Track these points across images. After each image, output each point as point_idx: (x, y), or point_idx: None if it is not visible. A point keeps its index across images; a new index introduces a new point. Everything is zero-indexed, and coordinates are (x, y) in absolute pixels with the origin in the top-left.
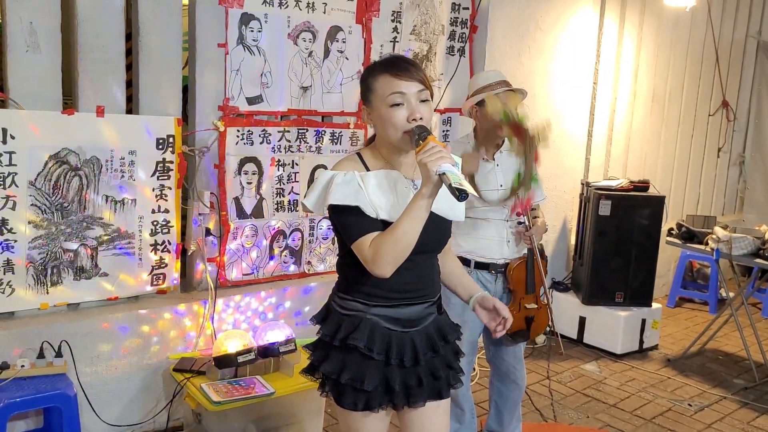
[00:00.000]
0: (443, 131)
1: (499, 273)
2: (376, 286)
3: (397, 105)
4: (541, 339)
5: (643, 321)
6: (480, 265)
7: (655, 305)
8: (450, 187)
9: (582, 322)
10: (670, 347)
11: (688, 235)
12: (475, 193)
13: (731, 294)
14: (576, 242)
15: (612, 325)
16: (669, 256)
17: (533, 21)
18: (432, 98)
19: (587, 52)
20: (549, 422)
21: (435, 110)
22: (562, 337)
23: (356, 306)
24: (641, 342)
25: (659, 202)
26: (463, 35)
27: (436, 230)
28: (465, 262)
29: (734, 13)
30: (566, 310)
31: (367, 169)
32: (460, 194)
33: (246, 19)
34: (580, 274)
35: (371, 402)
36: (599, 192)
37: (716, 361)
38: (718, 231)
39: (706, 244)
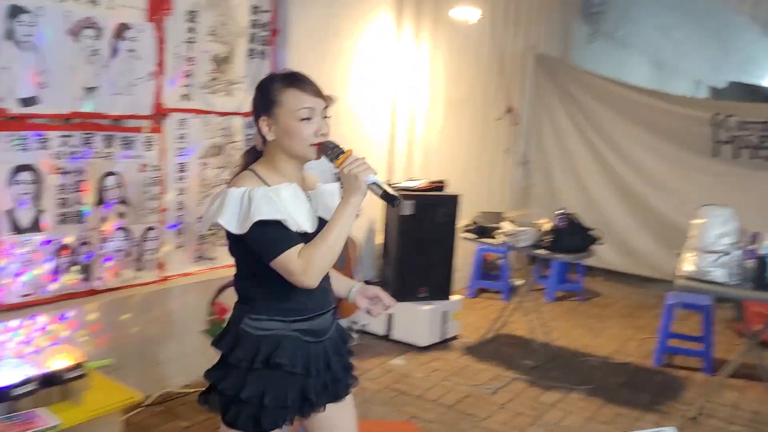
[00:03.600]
0: (248, 135)
1: None
2: (293, 301)
3: (307, 119)
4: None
5: (445, 313)
6: None
7: (455, 298)
8: (385, 194)
9: (390, 318)
10: (470, 336)
11: (480, 231)
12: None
13: (519, 282)
14: (383, 242)
15: (417, 320)
16: (467, 251)
17: (332, 26)
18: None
19: (386, 58)
20: (360, 420)
21: (239, 114)
22: (371, 334)
23: (274, 325)
24: (444, 333)
25: (454, 200)
26: (264, 38)
27: None
28: None
29: (514, 28)
30: None
31: (267, 185)
32: (395, 200)
33: (15, 11)
34: (388, 273)
35: (290, 417)
36: (402, 192)
37: (509, 345)
38: (505, 225)
39: (496, 237)
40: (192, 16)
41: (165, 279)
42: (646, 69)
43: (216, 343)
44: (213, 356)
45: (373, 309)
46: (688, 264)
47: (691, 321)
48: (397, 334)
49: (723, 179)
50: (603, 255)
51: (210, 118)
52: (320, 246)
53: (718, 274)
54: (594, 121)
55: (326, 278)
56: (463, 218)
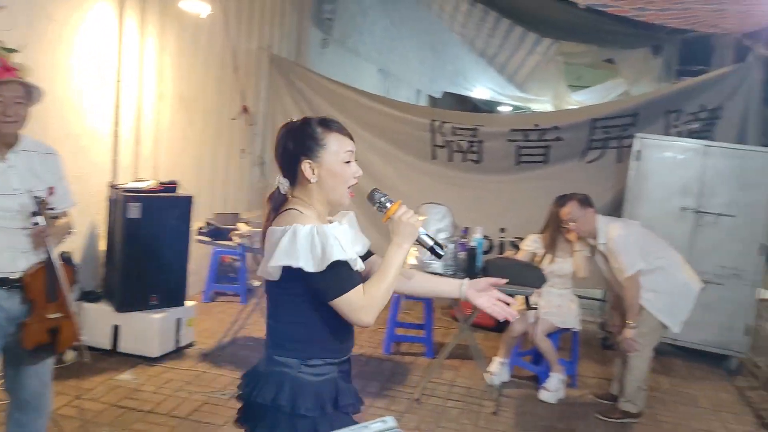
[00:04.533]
0: None
1: (15, 288)
2: (341, 341)
3: (348, 162)
4: (70, 356)
5: (179, 320)
6: None
7: (189, 303)
8: (434, 244)
9: (116, 330)
10: (206, 342)
11: (216, 233)
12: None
13: (257, 283)
14: (107, 248)
15: (148, 330)
16: (203, 254)
17: (43, 10)
18: None
19: (109, 48)
20: None
21: None
22: (95, 349)
23: (329, 369)
24: (177, 342)
25: (188, 201)
26: None
27: None
28: None
29: (248, 26)
30: (98, 320)
31: None
32: (441, 250)
33: None
34: (113, 282)
35: None
36: (127, 194)
37: (247, 348)
38: (241, 227)
39: (232, 239)
40: None
41: None
42: (375, 77)
43: (265, 398)
44: None
45: (496, 306)
46: (411, 257)
47: (416, 310)
48: (126, 347)
49: (440, 180)
50: None
51: None
52: (380, 286)
53: (437, 266)
54: None
55: None
56: (198, 220)
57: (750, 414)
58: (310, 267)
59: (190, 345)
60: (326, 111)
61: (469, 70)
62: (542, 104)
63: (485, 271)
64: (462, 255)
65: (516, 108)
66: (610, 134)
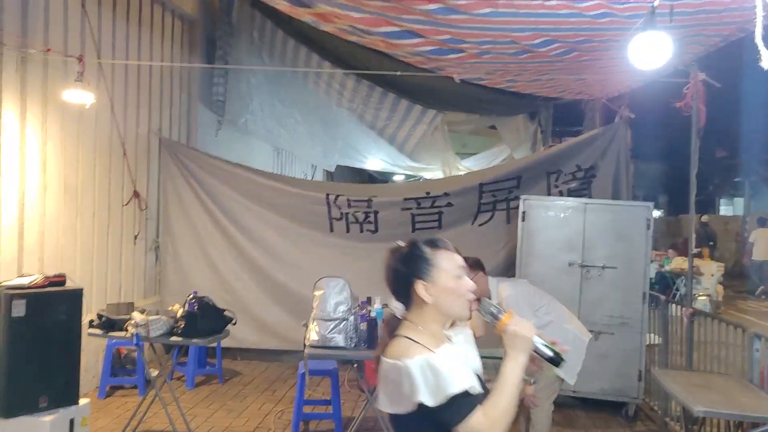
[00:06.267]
0: None
1: None
2: None
3: (461, 277)
4: None
5: (72, 421)
6: None
7: (83, 401)
8: (554, 355)
9: None
10: None
11: (109, 324)
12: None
13: (155, 373)
14: None
15: None
16: (97, 347)
17: None
18: None
19: None
20: None
21: None
22: None
23: None
24: None
25: (77, 295)
26: None
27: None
28: None
29: (136, 111)
30: None
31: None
32: (561, 360)
33: None
34: None
35: None
36: (11, 292)
37: None
38: (136, 316)
39: (127, 330)
40: None
41: None
42: (269, 155)
43: None
44: None
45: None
46: (314, 333)
47: (323, 386)
48: None
49: (340, 251)
50: (238, 334)
51: None
52: (500, 405)
53: (339, 339)
54: (222, 203)
55: None
56: (90, 312)
57: None
58: (430, 402)
59: None
60: (221, 191)
61: (361, 143)
62: (433, 172)
63: None
64: (363, 326)
65: (409, 177)
66: (498, 197)
